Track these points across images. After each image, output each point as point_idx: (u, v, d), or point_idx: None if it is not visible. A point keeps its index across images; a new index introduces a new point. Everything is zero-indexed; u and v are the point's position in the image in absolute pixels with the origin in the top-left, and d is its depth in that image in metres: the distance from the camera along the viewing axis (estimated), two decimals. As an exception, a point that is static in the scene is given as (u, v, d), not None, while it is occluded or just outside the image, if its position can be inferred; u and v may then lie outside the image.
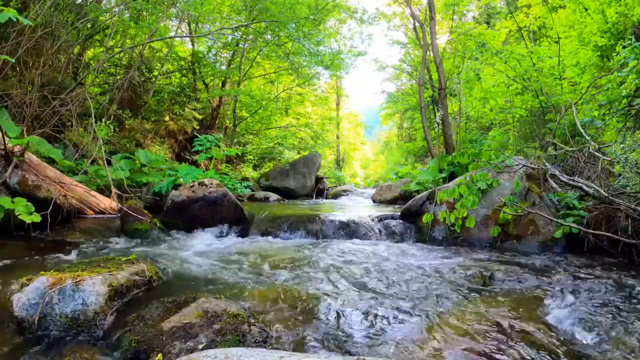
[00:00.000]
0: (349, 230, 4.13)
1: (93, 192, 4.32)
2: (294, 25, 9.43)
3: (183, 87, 10.52)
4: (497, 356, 1.49)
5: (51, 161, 4.26)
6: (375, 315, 1.84)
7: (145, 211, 4.20)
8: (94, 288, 1.78)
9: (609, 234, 3.05)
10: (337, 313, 1.86)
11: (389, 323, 1.78)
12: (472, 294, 2.17)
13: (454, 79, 12.63)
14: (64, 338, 1.63)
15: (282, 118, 15.27)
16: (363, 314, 1.86)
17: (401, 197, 7.35)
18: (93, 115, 4.71)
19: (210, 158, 6.51)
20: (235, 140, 12.33)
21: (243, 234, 4.18)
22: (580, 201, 3.55)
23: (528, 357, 1.49)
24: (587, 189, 3.31)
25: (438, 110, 9.45)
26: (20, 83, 4.89)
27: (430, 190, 4.36)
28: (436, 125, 8.28)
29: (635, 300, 2.03)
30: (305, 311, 1.87)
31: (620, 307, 1.94)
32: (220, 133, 9.90)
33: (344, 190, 11.28)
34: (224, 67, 11.56)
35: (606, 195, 3.15)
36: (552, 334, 1.68)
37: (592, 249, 3.23)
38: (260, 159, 13.90)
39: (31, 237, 3.35)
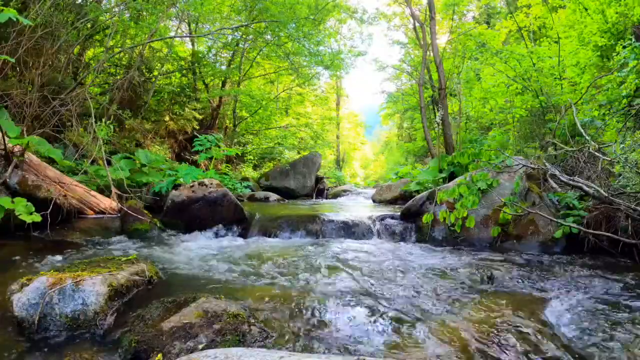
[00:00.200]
0: (349, 230, 4.13)
1: (93, 192, 4.32)
2: (294, 25, 9.43)
3: (183, 87, 10.52)
4: (497, 356, 1.49)
5: (51, 161, 4.26)
6: (375, 315, 1.84)
7: (145, 211, 4.20)
8: (94, 288, 1.78)
9: (609, 234, 3.05)
10: (337, 313, 1.86)
11: (389, 323, 1.78)
12: (472, 294, 2.17)
13: (454, 79, 12.63)
14: (64, 338, 1.63)
15: (282, 118, 15.27)
16: (363, 313, 1.86)
17: (401, 197, 7.35)
18: (93, 115, 4.71)
19: (210, 158, 6.51)
20: (235, 140, 12.33)
21: (243, 234, 4.18)
22: (580, 201, 3.55)
23: (528, 358, 1.49)
24: (587, 189, 3.31)
25: (438, 110, 9.45)
26: (20, 83, 4.89)
27: (430, 190, 4.36)
28: (436, 125, 8.28)
29: (635, 300, 2.03)
30: (305, 311, 1.87)
31: (621, 307, 1.94)
32: (220, 133, 9.90)
33: (344, 190, 11.29)
34: (224, 67, 11.56)
35: (606, 195, 3.15)
36: (552, 334, 1.68)
37: (592, 249, 3.23)
38: (260, 159, 13.90)
39: (31, 237, 3.35)
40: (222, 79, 11.67)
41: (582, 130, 4.24)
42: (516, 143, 6.89)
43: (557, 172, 3.75)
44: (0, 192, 3.36)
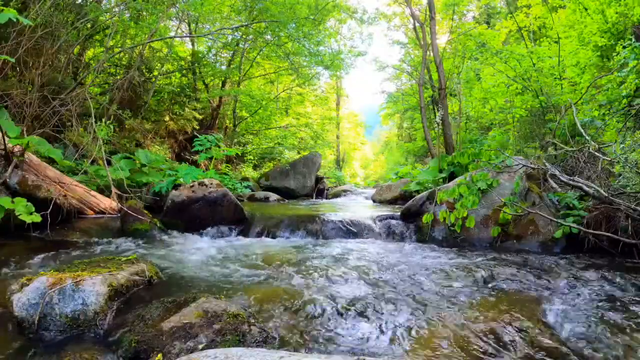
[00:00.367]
0: (349, 230, 4.13)
1: (93, 192, 4.32)
2: (294, 25, 9.44)
3: (183, 87, 10.52)
4: (498, 356, 1.49)
5: (51, 161, 4.26)
6: (375, 315, 1.84)
7: (145, 211, 4.20)
8: (94, 288, 1.78)
9: (609, 234, 3.05)
10: (337, 313, 1.86)
11: (389, 323, 1.78)
12: (472, 294, 2.17)
13: (454, 79, 12.63)
14: (64, 338, 1.63)
15: (282, 118, 15.27)
16: (363, 313, 1.86)
17: (401, 197, 7.36)
18: (93, 115, 4.71)
19: (210, 158, 6.51)
20: (235, 140, 12.33)
21: (243, 234, 4.18)
22: (580, 201, 3.55)
23: (528, 357, 1.49)
24: (587, 189, 3.31)
25: (438, 110, 9.45)
26: (20, 83, 4.89)
27: (430, 190, 4.36)
28: (436, 125, 8.28)
29: (635, 301, 2.03)
30: (305, 311, 1.87)
31: (621, 307, 1.94)
32: (220, 133, 9.91)
33: (344, 190, 11.29)
34: (224, 67, 11.56)
35: (606, 195, 3.15)
36: (552, 334, 1.68)
37: (592, 249, 3.23)
38: (260, 159, 13.90)
39: (31, 237, 3.35)
40: (222, 79, 11.67)
41: (582, 130, 4.24)
42: (516, 143, 6.89)
43: (557, 172, 3.75)
44: (0, 192, 3.36)
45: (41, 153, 4.09)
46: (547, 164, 4.13)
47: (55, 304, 1.70)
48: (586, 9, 6.76)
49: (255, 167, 13.55)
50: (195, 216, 4.16)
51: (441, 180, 6.25)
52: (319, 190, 10.90)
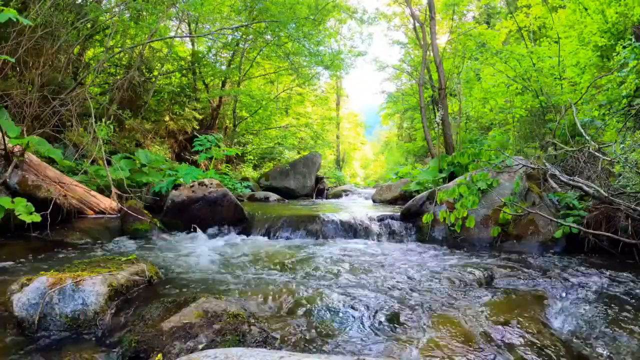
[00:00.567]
0: (349, 230, 4.13)
1: (93, 192, 4.32)
2: (294, 25, 9.43)
3: (183, 87, 10.52)
4: (497, 356, 1.49)
5: (51, 161, 4.26)
6: (375, 315, 1.84)
7: (145, 211, 4.20)
8: (94, 288, 1.78)
9: (609, 234, 3.05)
10: (337, 313, 1.86)
11: (389, 323, 1.78)
12: (472, 294, 2.17)
13: (454, 79, 12.63)
14: (64, 338, 1.63)
15: (282, 118, 15.26)
16: (363, 314, 1.86)
17: (401, 197, 7.35)
18: (93, 115, 4.71)
19: (210, 158, 6.51)
20: (235, 140, 12.33)
21: (243, 234, 4.18)
22: (580, 201, 3.55)
23: (528, 357, 1.49)
24: (587, 189, 3.31)
25: (438, 110, 9.45)
26: (20, 83, 4.89)
27: (430, 190, 4.36)
28: (436, 125, 8.28)
29: (635, 301, 2.03)
30: (305, 311, 1.87)
31: (621, 307, 1.94)
32: (220, 133, 9.91)
33: (344, 190, 11.29)
34: (224, 67, 11.56)
35: (606, 195, 3.15)
36: (552, 334, 1.68)
37: (592, 249, 3.23)
38: (260, 159, 13.90)
39: (31, 237, 3.35)
40: (222, 79, 11.67)
41: (582, 130, 4.24)
42: (516, 143, 6.89)
43: (557, 172, 3.75)
44: (0, 192, 3.36)
45: (41, 153, 4.09)
46: (547, 164, 4.13)
47: (55, 304, 1.70)
48: (586, 9, 6.76)
49: (255, 167, 13.55)
50: (195, 216, 4.16)
51: (441, 180, 6.25)
52: (319, 190, 10.89)
